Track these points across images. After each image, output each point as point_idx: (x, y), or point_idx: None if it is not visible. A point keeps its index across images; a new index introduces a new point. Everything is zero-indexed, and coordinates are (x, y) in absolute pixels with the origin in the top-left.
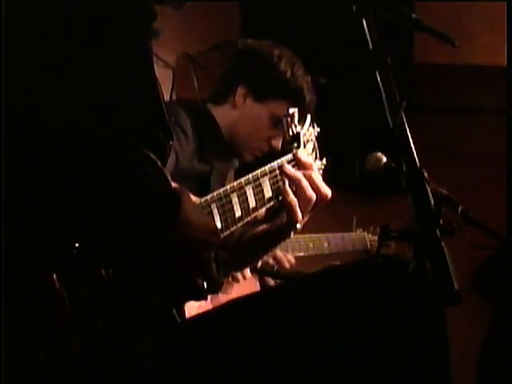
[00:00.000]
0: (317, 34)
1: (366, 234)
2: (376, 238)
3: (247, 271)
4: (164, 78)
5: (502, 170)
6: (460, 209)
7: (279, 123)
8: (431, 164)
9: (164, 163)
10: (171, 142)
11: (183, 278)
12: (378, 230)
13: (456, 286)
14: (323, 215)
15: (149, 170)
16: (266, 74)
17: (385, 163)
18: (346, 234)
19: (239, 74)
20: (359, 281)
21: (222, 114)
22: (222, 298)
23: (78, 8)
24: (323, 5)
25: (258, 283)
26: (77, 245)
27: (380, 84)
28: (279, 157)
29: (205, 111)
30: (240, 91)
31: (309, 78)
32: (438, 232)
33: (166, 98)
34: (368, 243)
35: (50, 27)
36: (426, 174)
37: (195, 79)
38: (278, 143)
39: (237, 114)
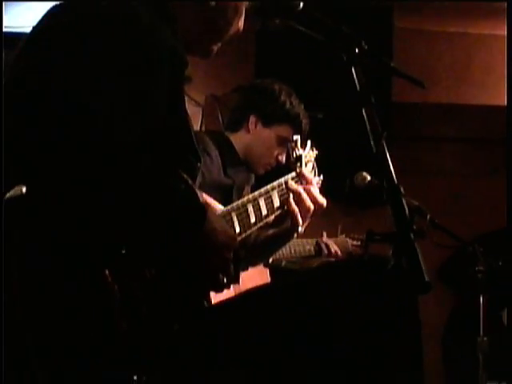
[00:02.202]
0: (315, 77)
1: (348, 239)
2: (356, 242)
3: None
4: (195, 114)
5: (461, 187)
6: (428, 217)
7: (284, 142)
8: (406, 182)
9: (194, 181)
10: (199, 164)
11: (209, 274)
12: (355, 235)
13: (426, 278)
14: (319, 222)
15: (181, 187)
16: (270, 105)
17: (369, 181)
18: (331, 239)
19: (250, 106)
20: (351, 274)
21: (239, 139)
22: (241, 286)
23: (131, 63)
24: (321, 55)
25: (269, 275)
26: (124, 249)
27: (365, 118)
28: (285, 172)
29: (224, 138)
30: (252, 119)
31: (302, 105)
32: (411, 235)
33: (197, 129)
34: (350, 246)
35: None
36: (402, 190)
37: (220, 115)
38: (283, 158)
39: (250, 137)
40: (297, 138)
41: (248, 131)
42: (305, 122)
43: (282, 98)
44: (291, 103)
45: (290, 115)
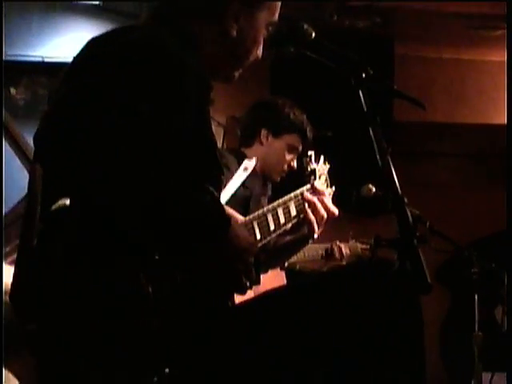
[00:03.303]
0: (325, 99)
1: (358, 243)
2: (365, 246)
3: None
4: (217, 134)
5: (455, 197)
6: (428, 224)
7: (293, 149)
8: (407, 193)
9: (218, 192)
10: (222, 177)
11: (233, 277)
12: (364, 240)
13: (429, 279)
14: (330, 228)
15: (207, 198)
16: (278, 118)
17: (374, 192)
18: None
19: (260, 122)
20: (361, 275)
21: (254, 152)
22: (260, 287)
23: (164, 90)
24: (330, 78)
25: (284, 277)
26: (157, 255)
27: (372, 136)
28: (300, 184)
29: (241, 153)
30: (263, 133)
31: (304, 115)
32: (415, 240)
33: (219, 146)
34: (359, 250)
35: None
36: (405, 199)
37: (239, 133)
38: (294, 164)
39: (264, 149)
40: (311, 153)
41: (261, 144)
42: (309, 128)
43: (286, 110)
44: (294, 114)
45: (295, 125)
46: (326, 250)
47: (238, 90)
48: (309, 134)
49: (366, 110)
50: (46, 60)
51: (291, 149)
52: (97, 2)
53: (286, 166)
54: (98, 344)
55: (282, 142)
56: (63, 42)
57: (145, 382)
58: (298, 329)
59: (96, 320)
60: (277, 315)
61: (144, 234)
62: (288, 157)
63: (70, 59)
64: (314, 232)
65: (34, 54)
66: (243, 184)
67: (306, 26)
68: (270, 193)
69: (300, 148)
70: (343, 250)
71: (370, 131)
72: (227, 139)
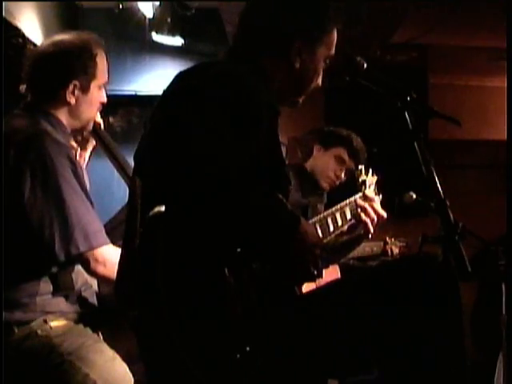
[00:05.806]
0: (375, 120)
1: (396, 241)
2: (402, 244)
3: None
4: None
5: (480, 203)
6: (460, 224)
7: (340, 160)
8: None
9: (287, 199)
10: (290, 187)
11: (303, 267)
12: (401, 238)
13: (469, 269)
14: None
15: (278, 204)
16: (328, 134)
17: (415, 199)
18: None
19: (314, 139)
20: (412, 267)
21: (309, 164)
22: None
23: (241, 116)
24: (379, 101)
25: (339, 271)
26: (238, 250)
27: (417, 149)
28: (353, 193)
29: (301, 168)
30: (316, 147)
31: (352, 133)
32: (457, 237)
33: None
34: (398, 247)
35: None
36: (447, 203)
37: (299, 152)
38: (342, 175)
39: (315, 160)
40: (361, 167)
41: (315, 157)
42: (356, 144)
43: (338, 129)
44: (343, 132)
45: (342, 139)
46: (382, 249)
47: (297, 113)
48: (356, 148)
49: (411, 127)
50: (139, 93)
51: (338, 160)
52: (180, 44)
53: (332, 174)
54: (190, 327)
55: (331, 154)
56: (152, 78)
57: (229, 358)
58: (354, 314)
59: (189, 308)
60: (336, 303)
61: (229, 234)
62: (336, 167)
63: (158, 93)
64: (369, 232)
65: (128, 88)
66: (303, 194)
67: (359, 59)
68: (325, 200)
69: (347, 159)
70: (392, 247)
71: (416, 145)
72: (289, 156)
